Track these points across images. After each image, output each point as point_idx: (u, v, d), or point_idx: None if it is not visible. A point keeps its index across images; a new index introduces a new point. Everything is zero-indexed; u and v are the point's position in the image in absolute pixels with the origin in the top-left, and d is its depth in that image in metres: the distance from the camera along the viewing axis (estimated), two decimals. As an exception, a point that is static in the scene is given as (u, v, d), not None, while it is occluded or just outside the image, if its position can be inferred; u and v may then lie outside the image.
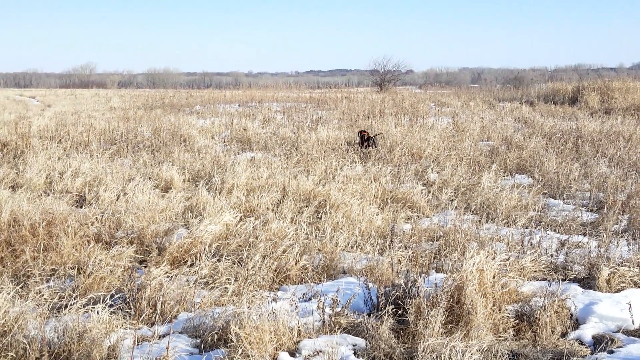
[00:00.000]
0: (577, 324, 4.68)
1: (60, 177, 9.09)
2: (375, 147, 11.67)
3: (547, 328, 4.44)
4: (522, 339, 4.42)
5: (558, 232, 6.78)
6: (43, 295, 4.75)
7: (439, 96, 29.21)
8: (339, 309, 4.59)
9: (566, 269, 5.72)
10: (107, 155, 11.18)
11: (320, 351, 4.12)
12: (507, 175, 10.04)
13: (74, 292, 4.98)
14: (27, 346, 3.84)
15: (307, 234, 6.41)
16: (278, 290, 5.26)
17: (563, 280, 5.32)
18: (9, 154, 11.48)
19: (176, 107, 24.21)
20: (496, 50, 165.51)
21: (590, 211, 7.83)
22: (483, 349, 3.99)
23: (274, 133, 14.50)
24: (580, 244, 6.21)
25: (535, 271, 5.57)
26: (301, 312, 4.55)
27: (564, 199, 8.44)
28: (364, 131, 12.23)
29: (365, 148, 11.65)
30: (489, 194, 8.21)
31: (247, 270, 5.26)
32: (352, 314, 4.68)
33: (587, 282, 5.44)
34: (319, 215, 7.15)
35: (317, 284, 5.32)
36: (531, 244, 6.03)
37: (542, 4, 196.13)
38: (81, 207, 7.74)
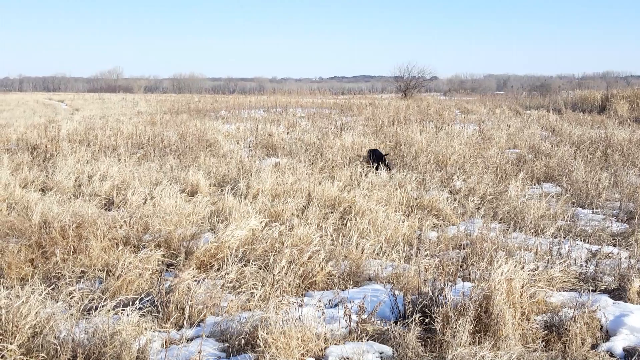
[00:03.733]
0: (607, 335, 4.60)
1: (89, 181, 9.23)
2: (388, 167, 10.59)
3: (577, 339, 4.38)
4: (552, 350, 4.36)
5: (587, 243, 6.68)
6: (73, 297, 4.81)
7: (464, 103, 29.06)
8: (365, 316, 4.58)
9: (596, 279, 5.63)
10: (135, 159, 11.31)
11: (347, 358, 4.12)
12: (534, 184, 9.93)
13: (103, 294, 5.04)
14: (58, 347, 3.90)
15: (332, 240, 6.41)
16: (304, 296, 5.26)
17: (593, 291, 5.23)
18: (39, 157, 11.69)
19: (202, 112, 24.42)
20: (522, 56, 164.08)
21: (621, 221, 7.70)
22: (512, 360, 3.94)
23: (299, 139, 14.53)
24: (610, 255, 6.11)
25: (565, 281, 5.50)
26: (327, 319, 4.55)
27: (593, 209, 8.31)
28: (375, 150, 11.42)
29: (374, 164, 10.59)
30: (516, 202, 8.13)
31: (274, 275, 5.27)
32: (378, 322, 4.66)
33: (618, 293, 5.35)
34: (344, 221, 7.14)
35: (343, 290, 5.31)
36: (560, 254, 5.95)
37: (568, 10, 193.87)
38: (109, 210, 7.85)
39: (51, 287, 5.01)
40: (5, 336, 4.03)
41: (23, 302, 4.21)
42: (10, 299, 4.32)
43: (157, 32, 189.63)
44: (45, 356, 3.90)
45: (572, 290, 5.38)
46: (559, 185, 9.76)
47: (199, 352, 3.73)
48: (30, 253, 5.77)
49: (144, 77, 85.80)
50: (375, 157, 10.93)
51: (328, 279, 5.56)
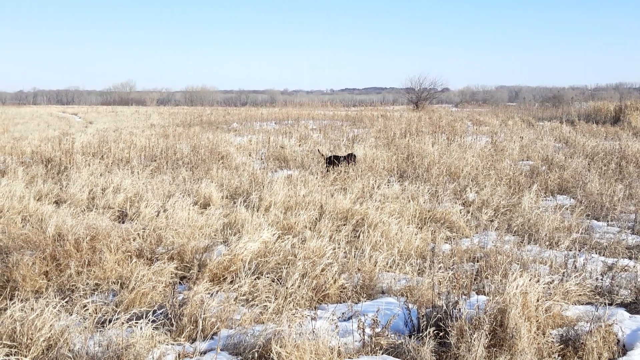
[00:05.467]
0: (624, 350, 4.54)
1: (103, 193, 9.28)
2: (350, 164, 11.63)
3: (593, 354, 4.33)
4: (568, 365, 4.31)
5: (603, 255, 6.61)
6: (87, 309, 4.83)
7: (476, 115, 29.01)
8: (379, 330, 4.55)
9: (612, 293, 5.56)
10: (148, 171, 11.37)
11: (361, 372, 4.08)
12: (548, 196, 9.86)
13: (117, 306, 5.06)
14: (72, 360, 3.91)
15: (345, 252, 6.39)
16: (317, 309, 5.23)
17: (609, 304, 5.17)
18: (53, 170, 11.78)
19: (214, 125, 24.56)
20: (534, 68, 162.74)
21: (636, 234, 7.62)
22: (528, 375, 3.90)
23: (311, 151, 14.56)
24: (626, 268, 6.04)
25: (580, 295, 5.44)
26: (341, 332, 4.53)
27: (608, 221, 8.23)
28: (333, 156, 12.26)
29: (333, 167, 11.60)
30: (530, 214, 8.07)
31: (287, 288, 5.26)
32: (392, 335, 4.63)
33: (634, 307, 5.29)
34: (357, 234, 7.13)
35: (356, 303, 5.29)
36: (575, 267, 5.89)
37: (580, 21, 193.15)
38: (123, 222, 7.88)
39: (65, 299, 5.03)
40: (19, 349, 4.05)
41: (37, 314, 4.24)
42: (25, 311, 4.35)
43: (169, 45, 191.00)
44: (60, 369, 3.91)
45: (588, 303, 5.32)
46: (573, 197, 9.68)
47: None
48: (45, 266, 5.80)
49: (156, 90, 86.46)
50: (333, 159, 11.90)
51: (341, 292, 5.54)
